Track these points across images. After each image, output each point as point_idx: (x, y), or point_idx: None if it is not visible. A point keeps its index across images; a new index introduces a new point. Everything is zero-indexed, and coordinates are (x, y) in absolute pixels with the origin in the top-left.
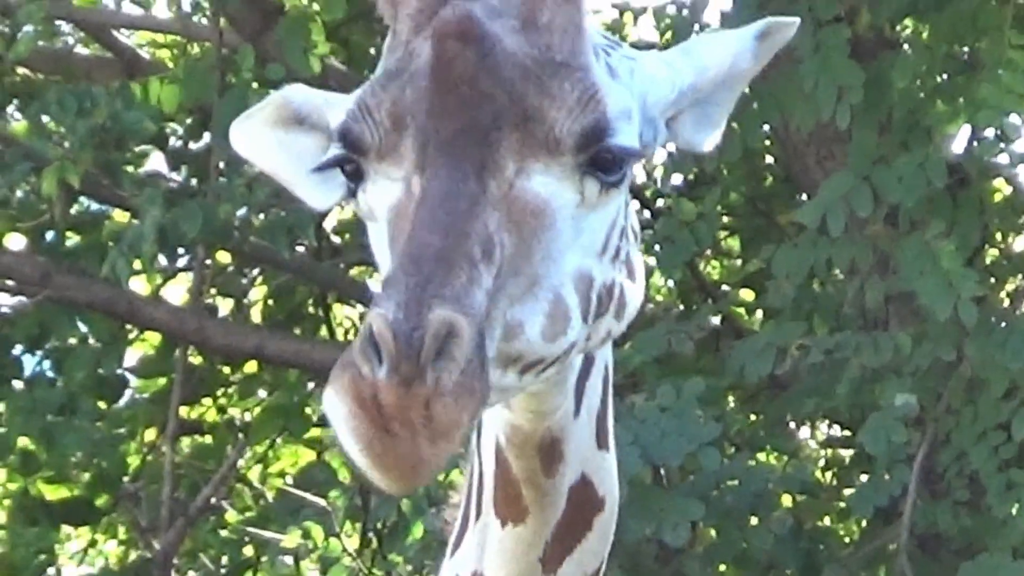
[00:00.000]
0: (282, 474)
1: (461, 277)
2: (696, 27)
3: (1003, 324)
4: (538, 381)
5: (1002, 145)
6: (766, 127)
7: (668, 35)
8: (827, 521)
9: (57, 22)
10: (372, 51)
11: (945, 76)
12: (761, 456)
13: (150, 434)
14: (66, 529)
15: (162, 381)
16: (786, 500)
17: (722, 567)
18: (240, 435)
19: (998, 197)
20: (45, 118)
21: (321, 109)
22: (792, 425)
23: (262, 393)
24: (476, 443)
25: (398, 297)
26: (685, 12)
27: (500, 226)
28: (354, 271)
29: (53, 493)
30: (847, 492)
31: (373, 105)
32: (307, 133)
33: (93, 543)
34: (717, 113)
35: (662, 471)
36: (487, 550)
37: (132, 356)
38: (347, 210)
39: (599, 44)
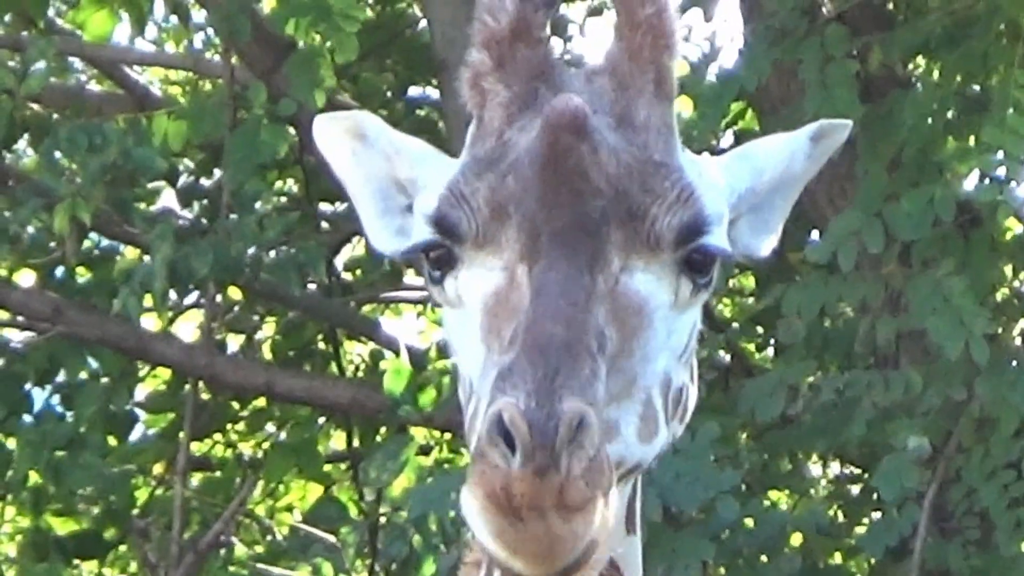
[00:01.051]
0: (290, 508)
1: (586, 369)
2: (714, 67)
3: (1014, 363)
4: (625, 490)
5: (1012, 184)
6: None
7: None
8: (837, 557)
9: (69, 59)
10: (384, 86)
11: (956, 114)
12: (773, 493)
13: (158, 468)
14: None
15: (171, 416)
16: (796, 539)
17: None
18: (249, 470)
19: (1010, 236)
20: (57, 154)
21: (391, 156)
22: (802, 461)
23: (270, 428)
24: None
25: (527, 387)
26: (701, 54)
27: (607, 321)
28: (364, 308)
29: (62, 527)
30: (857, 529)
31: (468, 193)
32: (377, 156)
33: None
34: (773, 218)
35: (673, 509)
36: None
37: (141, 391)
38: (357, 247)
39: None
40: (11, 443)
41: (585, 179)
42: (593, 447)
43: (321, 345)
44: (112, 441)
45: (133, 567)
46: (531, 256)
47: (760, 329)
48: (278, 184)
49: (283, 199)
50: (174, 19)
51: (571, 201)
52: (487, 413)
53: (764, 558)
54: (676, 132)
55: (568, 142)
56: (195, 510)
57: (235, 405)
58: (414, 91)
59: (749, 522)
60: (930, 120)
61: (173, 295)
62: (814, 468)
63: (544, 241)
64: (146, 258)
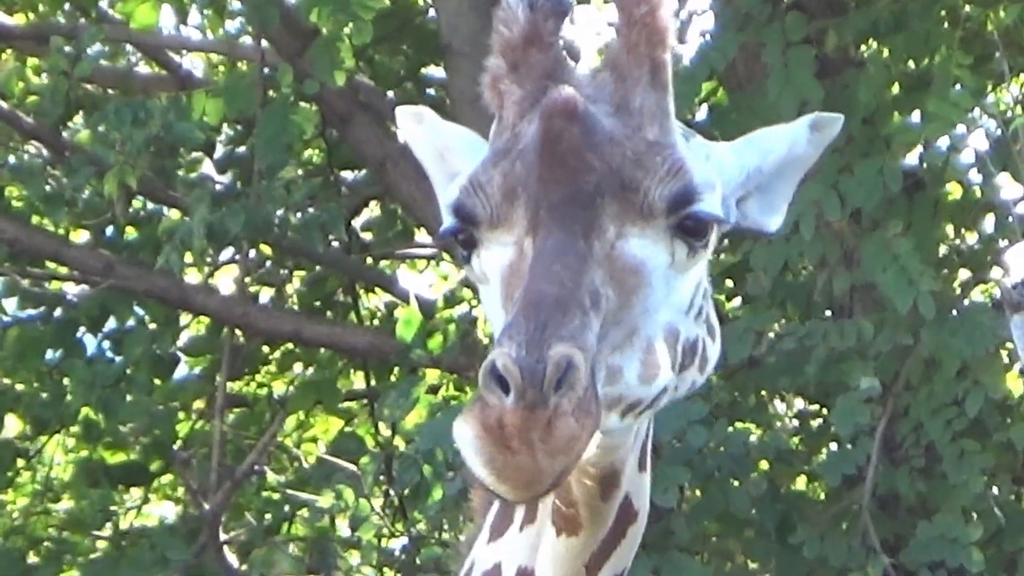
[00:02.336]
0: (315, 440)
1: (575, 321)
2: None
3: (955, 313)
4: (635, 424)
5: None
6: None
7: None
8: (799, 484)
9: (121, 43)
10: (397, 67)
11: (902, 91)
12: (741, 427)
13: (198, 404)
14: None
15: (209, 359)
16: (763, 466)
17: (706, 525)
18: (278, 407)
19: (951, 199)
20: (104, 128)
21: (444, 151)
22: (767, 398)
23: (298, 369)
24: None
25: (519, 338)
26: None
27: (604, 281)
28: (380, 263)
29: (111, 458)
30: (816, 458)
31: (484, 181)
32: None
33: (146, 501)
34: (778, 199)
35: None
36: (540, 553)
37: (183, 337)
38: (374, 210)
39: (679, 132)
40: (67, 383)
41: (578, 157)
42: (580, 386)
43: (342, 296)
44: (157, 381)
45: (174, 495)
46: (534, 229)
47: (730, 282)
48: (304, 154)
49: (307, 167)
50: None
51: (566, 178)
52: (485, 364)
53: (734, 483)
54: (671, 116)
55: (561, 126)
56: (231, 442)
57: (266, 349)
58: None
59: (715, 446)
60: (877, 96)
61: (211, 252)
62: (779, 405)
63: (543, 214)
64: (186, 219)
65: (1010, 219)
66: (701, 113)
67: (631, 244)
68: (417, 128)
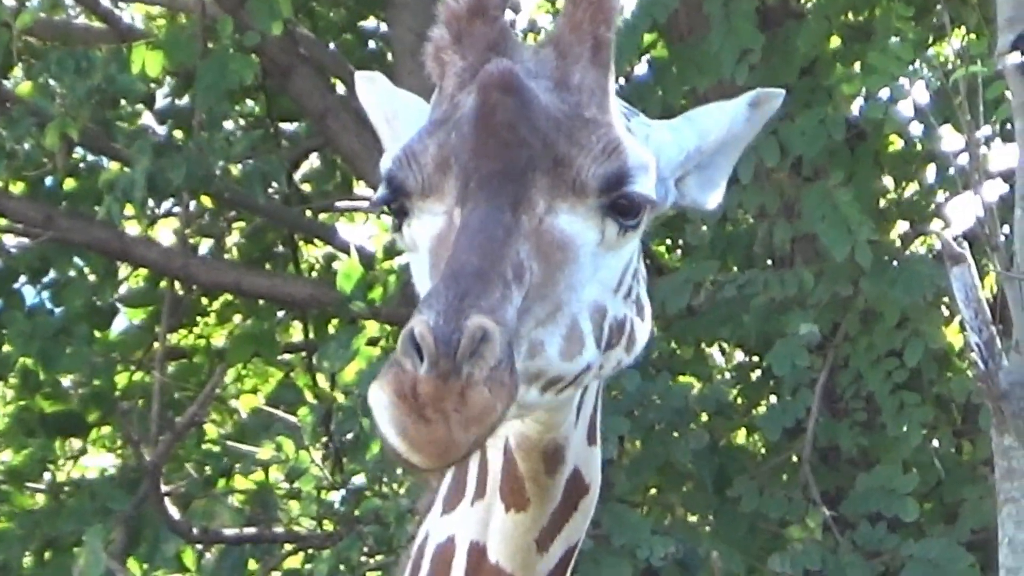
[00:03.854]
0: (254, 391)
1: (495, 293)
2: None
3: (895, 263)
4: (556, 400)
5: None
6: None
7: None
8: (739, 437)
9: None
10: (337, 19)
11: (843, 43)
12: (681, 380)
13: (137, 356)
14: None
15: (148, 310)
16: (702, 418)
17: (646, 477)
18: (217, 359)
19: (892, 149)
20: (46, 79)
21: (392, 116)
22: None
23: (237, 320)
24: None
25: (438, 306)
26: None
27: (530, 255)
28: (320, 215)
29: (50, 408)
30: (756, 411)
31: (419, 151)
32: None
33: (84, 452)
34: (718, 175)
35: None
36: (490, 528)
37: (122, 288)
38: (314, 161)
39: (620, 111)
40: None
41: (512, 131)
42: (495, 358)
43: (281, 248)
44: (96, 333)
45: (113, 446)
46: (463, 200)
47: (670, 232)
48: (245, 106)
49: (248, 119)
50: None
51: (498, 150)
52: (403, 330)
53: (675, 435)
54: (611, 95)
55: (496, 99)
56: (169, 393)
57: (205, 300)
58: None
59: (655, 399)
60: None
61: (151, 204)
62: (719, 358)
63: (472, 186)
64: (127, 170)
65: (951, 171)
66: (641, 67)
67: (560, 220)
68: (370, 92)
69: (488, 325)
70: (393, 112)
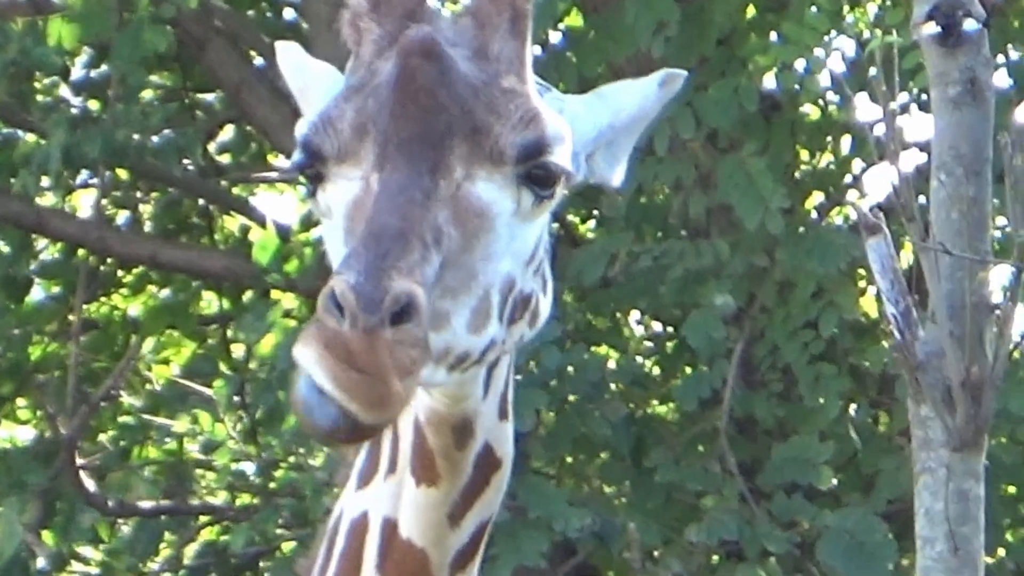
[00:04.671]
0: (168, 362)
1: (415, 254)
2: None
3: (810, 233)
4: (461, 379)
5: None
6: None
7: None
8: (656, 408)
9: None
10: None
11: (758, 13)
12: (597, 351)
13: (51, 328)
14: None
15: (63, 281)
16: (619, 390)
17: (562, 449)
18: (133, 330)
19: (809, 120)
20: None
21: (305, 74)
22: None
23: (152, 292)
24: None
25: (359, 266)
26: None
27: (448, 221)
28: (236, 187)
29: None
30: (673, 383)
31: (336, 116)
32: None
33: None
34: (621, 152)
35: None
36: (402, 503)
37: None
38: (229, 132)
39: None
40: None
41: (431, 96)
42: (420, 326)
43: (197, 220)
44: (11, 304)
45: (28, 418)
46: (381, 164)
47: (584, 203)
48: (159, 77)
49: (163, 91)
50: None
51: (418, 115)
52: (323, 290)
53: (591, 407)
54: (529, 65)
55: (416, 64)
56: (83, 365)
57: (120, 272)
58: None
59: (571, 371)
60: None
61: (67, 176)
62: (637, 329)
63: (391, 150)
64: (43, 143)
65: (867, 141)
66: (556, 36)
67: (478, 187)
68: (289, 61)
69: (413, 289)
70: (305, 84)
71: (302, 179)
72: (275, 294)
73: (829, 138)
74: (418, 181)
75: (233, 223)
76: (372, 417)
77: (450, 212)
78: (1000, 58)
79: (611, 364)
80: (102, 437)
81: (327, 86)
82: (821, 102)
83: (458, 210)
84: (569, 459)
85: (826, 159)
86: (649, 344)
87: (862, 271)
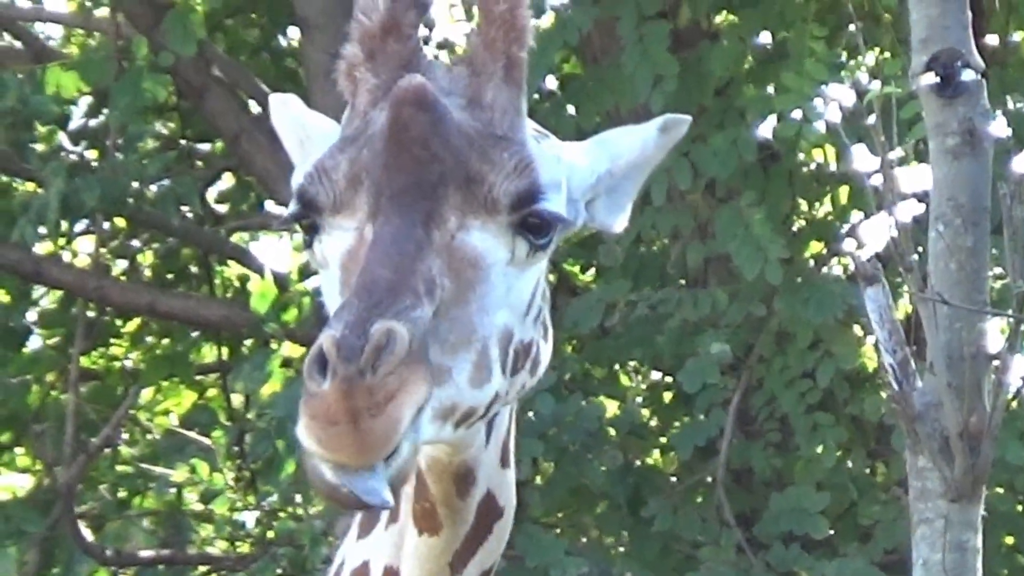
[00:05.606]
0: (167, 413)
1: (406, 303)
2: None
3: (807, 283)
4: (467, 434)
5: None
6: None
7: None
8: (653, 458)
9: None
10: (251, 39)
11: (756, 64)
12: (594, 401)
13: (50, 377)
14: None
15: (62, 331)
16: (613, 435)
17: (560, 498)
18: (131, 380)
19: (806, 170)
20: None
21: (307, 138)
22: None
23: (150, 341)
24: None
25: (347, 318)
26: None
27: (441, 271)
28: (234, 236)
29: None
30: (669, 431)
31: (331, 167)
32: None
33: None
34: (624, 199)
35: None
36: (404, 552)
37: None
38: (228, 181)
39: (531, 133)
40: None
41: (424, 146)
42: (403, 351)
43: (195, 269)
44: (9, 353)
45: (26, 467)
46: (374, 215)
47: (583, 252)
48: (158, 126)
49: (162, 140)
50: None
51: (411, 166)
52: (312, 349)
53: (589, 456)
54: (523, 114)
55: (409, 114)
56: (82, 415)
57: (118, 321)
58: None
59: (569, 420)
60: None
61: (65, 224)
62: (633, 377)
63: (384, 201)
64: (41, 191)
65: (865, 191)
66: (551, 83)
67: (472, 236)
68: (283, 114)
69: (393, 325)
70: (306, 135)
71: (299, 229)
72: (275, 343)
73: (827, 188)
74: (411, 232)
75: (232, 272)
76: (363, 461)
77: (444, 262)
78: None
79: (608, 413)
80: (100, 486)
81: (326, 138)
82: (819, 152)
83: (452, 260)
84: (567, 509)
85: (824, 209)
86: (646, 394)
87: (860, 321)
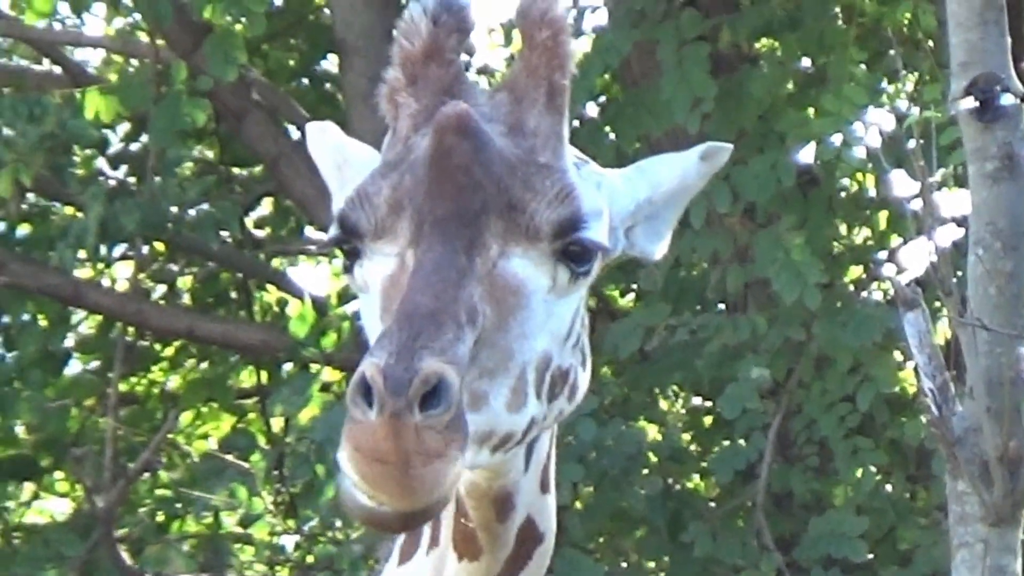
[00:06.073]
0: (206, 437)
1: (448, 334)
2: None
3: (847, 308)
4: (504, 459)
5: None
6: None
7: None
8: (693, 482)
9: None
10: (290, 63)
11: (796, 88)
12: (634, 425)
13: (90, 402)
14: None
15: (101, 355)
16: (653, 460)
17: (600, 523)
18: (171, 404)
19: (845, 195)
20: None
21: (345, 163)
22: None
23: (189, 365)
24: None
25: (390, 347)
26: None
27: (483, 299)
28: (273, 260)
29: (1, 452)
30: (709, 456)
31: (372, 192)
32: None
33: (36, 496)
34: (664, 227)
35: None
36: None
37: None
38: (267, 206)
39: (573, 160)
40: None
41: (467, 174)
42: (451, 405)
43: (235, 293)
44: (48, 377)
45: (66, 491)
46: (416, 242)
47: (622, 277)
48: (196, 151)
49: (201, 164)
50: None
51: (453, 193)
52: (354, 375)
53: (629, 480)
54: (565, 141)
55: (452, 142)
56: (122, 439)
57: (157, 345)
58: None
59: (609, 444)
60: (772, 92)
61: (104, 249)
62: (673, 401)
63: (426, 228)
64: (80, 216)
65: (904, 216)
66: (591, 110)
67: (513, 264)
68: (321, 142)
69: (444, 368)
70: (344, 159)
71: (339, 254)
72: (314, 367)
73: (866, 213)
74: (453, 259)
75: (271, 297)
76: (405, 505)
77: (485, 290)
78: None
79: (648, 438)
80: (139, 510)
81: (365, 164)
82: (859, 176)
83: (493, 288)
84: (607, 533)
85: (863, 234)
86: (686, 419)
87: (899, 345)
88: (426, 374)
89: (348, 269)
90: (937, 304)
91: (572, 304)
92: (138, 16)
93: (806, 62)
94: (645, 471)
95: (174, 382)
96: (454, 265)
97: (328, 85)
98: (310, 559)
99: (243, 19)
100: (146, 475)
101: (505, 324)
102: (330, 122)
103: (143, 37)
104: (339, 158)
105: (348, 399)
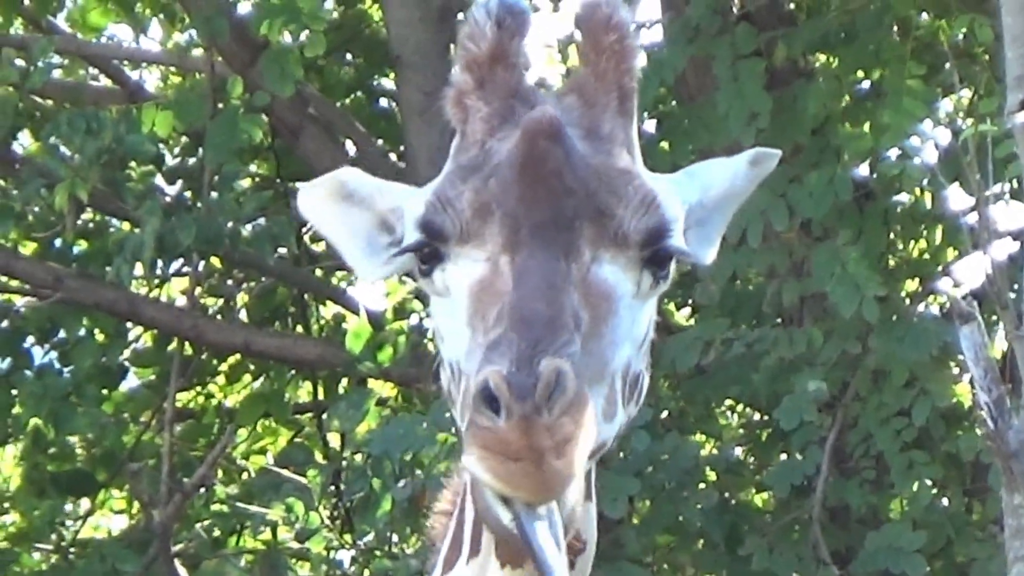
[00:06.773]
0: (263, 451)
1: (563, 338)
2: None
3: (903, 322)
4: (591, 464)
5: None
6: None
7: None
8: (749, 496)
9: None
10: (346, 78)
11: (852, 102)
12: (691, 439)
13: (146, 416)
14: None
15: (157, 370)
16: (710, 476)
17: (656, 536)
18: (227, 419)
19: (902, 208)
20: (55, 140)
21: (373, 195)
22: (716, 409)
23: (246, 380)
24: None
25: (511, 354)
26: None
27: (580, 305)
28: (330, 275)
29: (57, 467)
30: (766, 469)
31: (453, 196)
32: (358, 209)
33: (92, 512)
34: (714, 231)
35: None
36: None
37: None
38: None
39: None
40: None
41: (560, 179)
42: (572, 390)
43: (291, 308)
44: (105, 392)
45: (122, 507)
46: (513, 247)
47: (679, 291)
48: (253, 166)
49: (257, 179)
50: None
51: (548, 198)
52: (475, 383)
53: (685, 494)
54: (636, 145)
55: (544, 147)
56: (178, 454)
57: (214, 360)
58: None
59: (665, 458)
60: (827, 107)
61: (160, 264)
62: (730, 416)
63: (525, 233)
64: (136, 231)
65: (960, 230)
66: (649, 125)
67: (603, 269)
68: (309, 205)
69: (561, 364)
70: (377, 187)
71: (417, 258)
72: (371, 382)
73: (922, 226)
74: (556, 265)
75: (328, 311)
76: (541, 499)
77: (581, 296)
78: None
79: (704, 451)
80: (196, 525)
81: (406, 190)
82: (915, 190)
83: (588, 293)
84: (663, 547)
85: (919, 247)
86: (742, 433)
87: (955, 359)
88: (548, 376)
89: (426, 274)
90: (993, 317)
91: (650, 309)
92: (194, 32)
93: (860, 75)
94: (701, 485)
95: (231, 397)
96: (557, 271)
97: (384, 100)
98: (367, 574)
99: (303, 37)
100: (202, 490)
101: (598, 331)
102: (349, 168)
103: (199, 53)
104: (372, 187)
105: (472, 407)
